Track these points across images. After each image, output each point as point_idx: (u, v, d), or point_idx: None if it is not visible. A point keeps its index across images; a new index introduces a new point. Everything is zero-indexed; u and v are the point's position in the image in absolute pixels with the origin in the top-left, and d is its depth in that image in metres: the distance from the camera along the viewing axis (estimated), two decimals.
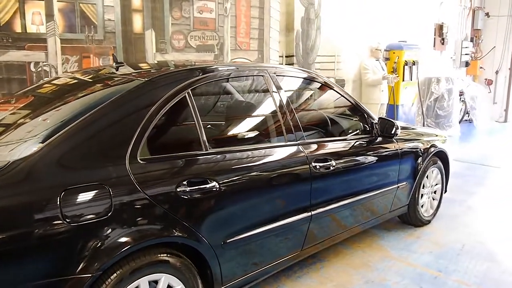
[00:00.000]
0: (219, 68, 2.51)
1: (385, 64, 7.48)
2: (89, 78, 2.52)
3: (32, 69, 4.02)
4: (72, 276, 1.73)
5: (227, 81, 2.55)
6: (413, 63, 7.69)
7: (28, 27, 3.96)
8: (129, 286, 1.92)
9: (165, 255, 2.03)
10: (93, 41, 4.37)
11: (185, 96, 2.22)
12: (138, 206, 1.92)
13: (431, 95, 8.61)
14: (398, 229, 3.94)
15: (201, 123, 2.25)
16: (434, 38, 9.10)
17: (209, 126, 2.36)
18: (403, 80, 7.53)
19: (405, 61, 7.53)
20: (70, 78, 2.64)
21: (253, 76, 2.68)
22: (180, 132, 2.29)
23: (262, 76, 2.67)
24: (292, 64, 6.19)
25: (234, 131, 2.57)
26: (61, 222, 1.71)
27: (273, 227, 2.49)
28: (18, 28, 3.92)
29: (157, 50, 4.83)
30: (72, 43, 4.23)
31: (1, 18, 3.82)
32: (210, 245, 2.17)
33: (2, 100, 2.73)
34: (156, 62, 3.69)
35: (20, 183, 1.70)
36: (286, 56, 6.19)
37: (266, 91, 2.67)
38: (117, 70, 2.61)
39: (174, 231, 2.03)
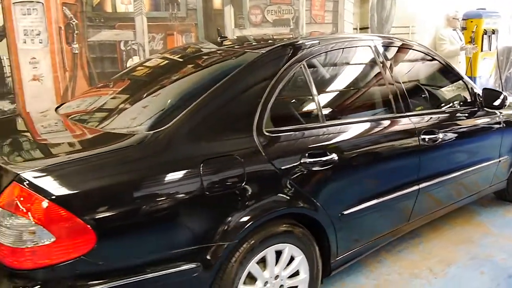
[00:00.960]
0: (329, 40, 2.47)
1: (462, 34, 7.06)
2: (197, 53, 2.56)
3: (122, 47, 4.15)
4: (211, 244, 1.79)
5: (337, 53, 2.50)
6: (493, 32, 7.21)
7: (118, 6, 4.08)
8: (258, 255, 1.97)
9: (289, 225, 2.06)
10: (176, 18, 4.44)
11: (301, 68, 2.20)
12: (267, 177, 1.95)
13: (511, 65, 8.07)
14: (494, 205, 3.77)
15: (317, 95, 2.23)
16: None
17: (323, 98, 2.34)
18: (481, 51, 7.10)
19: (484, 30, 7.08)
20: (176, 53, 2.70)
21: (360, 46, 2.61)
22: (299, 104, 2.29)
23: (369, 46, 2.60)
24: None
25: (346, 102, 2.53)
26: (202, 192, 1.76)
27: (385, 199, 2.46)
28: (108, 8, 4.05)
29: (236, 25, 4.84)
30: (157, 21, 4.32)
31: None
32: (329, 217, 2.18)
33: (101, 84, 2.82)
34: (255, 36, 3.71)
35: (162, 153, 1.76)
36: (361, 28, 6.00)
37: (373, 62, 2.60)
38: (221, 44, 2.63)
39: (299, 202, 2.04)
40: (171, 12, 4.38)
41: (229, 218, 1.82)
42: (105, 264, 1.60)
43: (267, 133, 2.00)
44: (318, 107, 2.22)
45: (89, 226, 1.54)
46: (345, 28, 5.82)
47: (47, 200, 1.49)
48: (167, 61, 2.61)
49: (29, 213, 1.49)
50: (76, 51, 3.93)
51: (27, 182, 1.51)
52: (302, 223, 2.13)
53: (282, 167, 1.99)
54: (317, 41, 2.37)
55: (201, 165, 1.77)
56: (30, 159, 1.76)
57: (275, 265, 2.06)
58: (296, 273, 2.16)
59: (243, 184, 1.86)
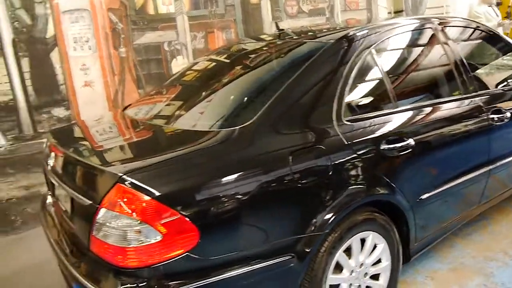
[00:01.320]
0: (392, 24, 2.44)
1: (498, 9, 6.87)
2: (261, 46, 2.56)
3: (166, 48, 4.19)
4: (305, 235, 1.80)
5: (402, 37, 2.47)
6: None
7: (159, 8, 4.12)
8: (345, 244, 1.97)
9: (371, 213, 2.06)
10: (215, 15, 4.45)
11: (370, 54, 2.18)
12: (351, 166, 1.95)
13: None
14: None
15: (388, 80, 2.21)
16: None
17: (394, 83, 2.31)
18: None
19: None
20: (236, 48, 2.71)
21: (422, 29, 2.57)
22: (372, 91, 2.27)
23: (430, 28, 2.56)
24: None
25: (416, 87, 2.50)
26: (293, 184, 1.77)
27: (459, 182, 2.43)
28: (151, 10, 4.08)
29: (273, 18, 4.82)
30: (197, 20, 4.34)
31: (136, 2, 3.99)
32: (408, 202, 2.16)
33: (166, 83, 2.84)
34: (310, 27, 3.71)
35: (250, 148, 1.77)
36: (395, 12, 5.90)
37: (437, 43, 2.56)
38: (279, 37, 2.63)
39: (382, 189, 2.04)
40: (210, 10, 4.40)
41: (320, 208, 1.83)
42: (207, 260, 1.63)
43: (346, 122, 1.99)
44: (390, 93, 2.20)
45: (192, 222, 1.57)
46: (380, 13, 5.74)
47: (151, 199, 1.52)
48: (230, 57, 2.62)
49: (134, 213, 1.53)
50: (123, 55, 3.99)
51: (130, 182, 1.55)
52: (382, 210, 2.13)
53: (363, 155, 1.99)
54: (382, 27, 2.35)
55: (290, 157, 1.78)
56: (126, 160, 1.80)
57: (360, 253, 2.06)
58: (378, 261, 2.16)
59: (329, 174, 1.87)
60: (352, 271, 2.04)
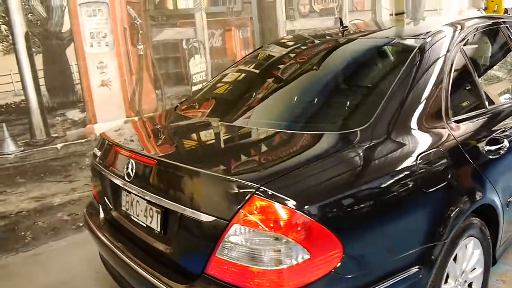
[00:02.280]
0: (472, 22, 2.36)
1: (485, 13, 7.11)
2: (338, 44, 2.40)
3: (184, 46, 3.94)
4: (432, 244, 1.67)
5: (481, 34, 2.40)
6: None
7: (179, 2, 3.87)
8: (455, 251, 1.85)
9: (473, 217, 1.95)
10: (233, 12, 4.25)
11: (460, 52, 2.09)
12: (465, 168, 1.84)
13: None
14: None
15: (479, 78, 2.13)
16: None
17: (486, 81, 2.24)
18: None
19: (505, 8, 7.14)
20: (308, 43, 2.53)
21: (495, 27, 2.51)
22: (469, 89, 2.17)
23: (500, 26, 2.51)
24: None
25: (505, 84, 2.43)
26: (421, 188, 1.63)
27: None
28: (170, 5, 3.82)
29: (287, 17, 4.68)
30: (215, 17, 4.12)
31: None
32: (501, 204, 2.08)
33: (209, 91, 2.59)
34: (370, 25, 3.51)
35: (377, 151, 1.61)
36: (396, 14, 5.92)
37: (508, 40, 2.51)
38: (343, 34, 2.48)
39: (487, 192, 1.94)
40: (228, 6, 4.19)
41: (446, 214, 1.70)
42: (349, 277, 1.45)
43: (454, 122, 1.88)
44: (484, 91, 2.12)
45: (336, 236, 1.38)
46: (383, 14, 5.75)
47: (298, 213, 1.33)
48: (309, 54, 2.42)
49: (276, 228, 1.33)
50: (141, 52, 3.70)
51: (270, 193, 1.35)
52: (477, 213, 2.03)
53: (472, 157, 1.88)
54: (464, 24, 2.26)
55: (417, 160, 1.64)
56: (253, 169, 1.57)
57: (463, 260, 1.95)
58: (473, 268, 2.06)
59: (449, 177, 1.74)
60: (456, 280, 1.93)
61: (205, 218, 1.45)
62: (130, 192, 1.87)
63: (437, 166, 1.72)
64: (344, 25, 2.57)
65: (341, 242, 1.39)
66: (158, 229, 1.71)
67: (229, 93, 2.44)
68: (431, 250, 1.67)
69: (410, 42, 2.09)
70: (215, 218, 1.42)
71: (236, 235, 1.38)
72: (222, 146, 1.89)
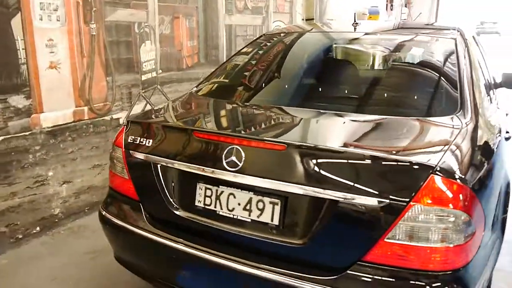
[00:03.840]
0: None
1: None
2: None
3: (136, 30, 3.56)
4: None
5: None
6: None
7: None
8: None
9: None
10: (182, 0, 3.99)
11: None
12: None
13: None
14: None
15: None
16: (386, 4, 10.04)
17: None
18: None
19: None
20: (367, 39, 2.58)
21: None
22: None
23: None
24: None
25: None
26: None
27: None
28: None
29: (226, 11, 4.59)
30: (166, 2, 3.81)
31: None
32: None
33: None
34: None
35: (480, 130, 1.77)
36: (307, 19, 6.32)
37: None
38: (355, 30, 2.61)
39: None
40: None
41: None
42: (487, 245, 1.61)
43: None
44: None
45: (483, 209, 1.50)
46: (297, 18, 6.07)
47: (468, 189, 1.41)
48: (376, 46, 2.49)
49: (453, 205, 1.37)
50: (94, 33, 3.20)
51: (446, 172, 1.39)
52: None
53: None
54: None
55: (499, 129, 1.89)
56: (416, 151, 1.55)
57: None
58: None
59: None
60: None
61: (374, 202, 1.39)
62: (218, 185, 1.66)
63: None
64: (356, 21, 2.68)
65: (484, 214, 1.50)
66: (276, 222, 1.56)
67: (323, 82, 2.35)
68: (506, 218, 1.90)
69: (445, 35, 2.32)
70: (389, 201, 1.38)
71: (414, 215, 1.37)
72: (364, 131, 1.80)
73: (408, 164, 1.42)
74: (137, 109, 3.69)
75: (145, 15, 3.63)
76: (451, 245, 1.38)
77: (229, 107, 2.14)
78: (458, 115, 1.78)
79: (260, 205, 1.59)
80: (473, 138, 1.67)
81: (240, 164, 1.58)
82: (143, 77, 3.71)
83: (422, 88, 2.07)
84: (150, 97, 3.81)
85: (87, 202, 3.34)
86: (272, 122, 1.90)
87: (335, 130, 1.82)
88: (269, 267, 1.54)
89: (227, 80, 2.49)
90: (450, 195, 1.36)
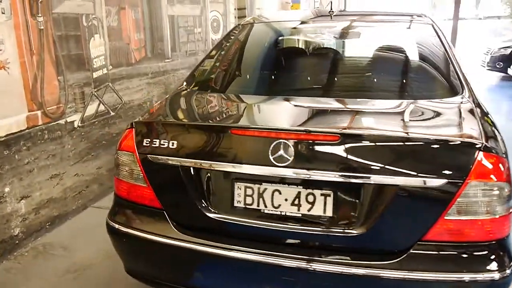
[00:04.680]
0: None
1: None
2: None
3: (84, 23, 3.23)
4: None
5: None
6: None
7: None
8: None
9: None
10: None
11: None
12: None
13: None
14: None
15: None
16: None
17: None
18: None
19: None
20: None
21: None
22: None
23: None
24: (244, 16, 6.32)
25: None
26: None
27: None
28: None
29: (168, 0, 4.37)
30: None
31: None
32: None
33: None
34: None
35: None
36: (239, 9, 6.27)
37: None
38: (331, 18, 2.67)
39: None
40: None
41: None
42: None
43: None
44: None
45: None
46: (230, 7, 5.99)
47: (507, 161, 1.51)
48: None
49: (504, 177, 1.47)
50: (42, 27, 2.82)
51: (491, 148, 1.48)
52: None
53: None
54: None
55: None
56: (459, 129, 1.62)
57: None
58: None
59: None
60: None
61: (433, 183, 1.44)
62: (260, 182, 1.59)
63: None
64: (332, 10, 2.72)
65: None
66: (329, 214, 1.55)
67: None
68: None
69: (419, 21, 2.45)
70: (447, 180, 1.43)
71: (469, 192, 1.44)
72: (400, 116, 1.80)
73: (459, 143, 1.49)
74: (91, 110, 3.37)
75: (92, 6, 3.30)
76: (497, 216, 1.48)
77: (250, 101, 2.07)
78: (463, 94, 1.91)
79: (310, 198, 1.56)
80: (485, 114, 1.80)
81: (290, 159, 1.53)
82: (94, 75, 3.39)
83: (427, 72, 2.17)
84: (103, 96, 3.50)
85: (47, 217, 2.99)
86: (307, 113, 1.86)
87: (373, 117, 1.84)
88: (327, 259, 1.52)
89: (229, 74, 2.38)
90: (495, 169, 1.45)
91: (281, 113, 1.90)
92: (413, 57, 2.28)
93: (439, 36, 2.32)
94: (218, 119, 1.86)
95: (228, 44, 2.57)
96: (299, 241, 1.59)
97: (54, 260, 2.69)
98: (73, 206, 3.24)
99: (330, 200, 1.54)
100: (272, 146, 1.54)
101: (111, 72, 3.58)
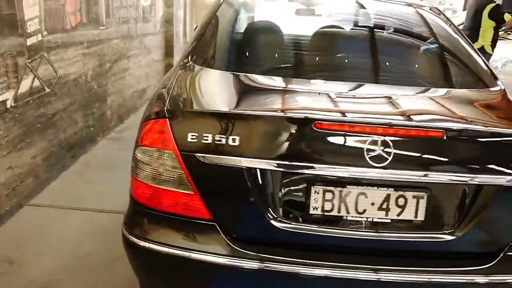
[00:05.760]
0: None
1: None
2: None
3: None
4: None
5: None
6: None
7: None
8: None
9: None
10: None
11: None
12: None
13: None
14: None
15: None
16: None
17: None
18: None
19: None
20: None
21: None
22: None
23: None
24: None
25: None
26: None
27: None
28: None
29: None
30: None
31: None
32: None
33: None
34: None
35: None
36: None
37: None
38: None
39: None
40: None
41: None
42: None
43: None
44: None
45: None
46: None
47: None
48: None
49: None
50: None
51: None
52: None
53: None
54: None
55: None
56: None
57: None
58: None
59: None
60: None
61: None
62: (344, 185, 1.38)
63: None
64: None
65: None
66: (421, 218, 1.40)
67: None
68: None
69: (424, 8, 2.37)
70: None
71: None
72: (468, 107, 1.69)
73: None
74: (25, 86, 2.70)
75: None
76: None
77: (309, 87, 1.80)
78: (498, 82, 1.89)
79: (401, 201, 1.38)
80: None
81: (389, 158, 1.32)
82: (28, 41, 2.71)
83: (464, 61, 2.07)
84: (37, 69, 2.83)
85: None
86: (386, 103, 1.64)
87: (458, 108, 1.67)
88: (422, 268, 1.38)
89: (258, 52, 2.03)
90: None
91: (362, 104, 1.67)
92: (446, 45, 2.19)
93: (453, 24, 2.28)
94: (291, 109, 1.55)
95: (236, 15, 2.21)
96: (383, 249, 1.42)
97: (1, 280, 2.11)
98: (7, 207, 2.59)
99: (423, 203, 1.38)
100: (367, 143, 1.32)
101: (45, 39, 2.91)
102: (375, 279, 1.35)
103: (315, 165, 1.35)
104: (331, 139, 1.35)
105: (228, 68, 1.88)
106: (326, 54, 2.13)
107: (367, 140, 1.32)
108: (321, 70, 2.01)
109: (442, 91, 1.85)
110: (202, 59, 1.91)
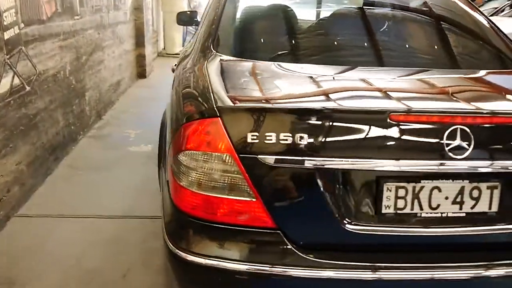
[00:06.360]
0: None
1: None
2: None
3: None
4: None
5: None
6: None
7: None
8: None
9: None
10: None
11: None
12: None
13: None
14: None
15: None
16: None
17: None
18: None
19: None
20: None
21: None
22: None
23: None
24: None
25: None
26: None
27: None
28: None
29: None
30: None
31: None
32: None
33: None
34: None
35: None
36: None
37: None
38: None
39: None
40: None
41: None
42: None
43: None
44: None
45: None
46: None
47: None
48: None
49: None
50: None
51: None
52: None
53: None
54: None
55: None
56: None
57: None
58: None
59: None
60: None
61: None
62: (419, 179, 1.29)
63: None
64: None
65: None
66: (495, 209, 1.33)
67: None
68: None
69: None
70: None
71: None
72: None
73: None
74: (5, 85, 2.43)
75: None
76: None
77: (362, 75, 1.68)
78: None
79: (475, 193, 1.30)
80: None
81: (470, 149, 1.24)
82: (6, 35, 2.43)
83: (491, 41, 2.03)
84: (16, 66, 2.55)
85: None
86: (445, 89, 1.54)
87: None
88: (495, 262, 1.32)
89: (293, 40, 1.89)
90: None
91: (432, 93, 1.56)
92: (474, 28, 2.13)
93: (475, 6, 2.25)
94: (362, 101, 1.43)
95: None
96: (458, 245, 1.35)
97: None
98: None
99: (497, 193, 1.31)
100: (447, 133, 1.23)
101: (23, 31, 2.62)
102: (458, 278, 1.28)
103: (389, 161, 1.25)
104: (407, 131, 1.25)
105: (271, 58, 1.73)
106: (368, 39, 2.01)
107: (446, 131, 1.24)
108: (368, 55, 1.91)
109: (500, 74, 1.80)
110: (233, 49, 1.76)
